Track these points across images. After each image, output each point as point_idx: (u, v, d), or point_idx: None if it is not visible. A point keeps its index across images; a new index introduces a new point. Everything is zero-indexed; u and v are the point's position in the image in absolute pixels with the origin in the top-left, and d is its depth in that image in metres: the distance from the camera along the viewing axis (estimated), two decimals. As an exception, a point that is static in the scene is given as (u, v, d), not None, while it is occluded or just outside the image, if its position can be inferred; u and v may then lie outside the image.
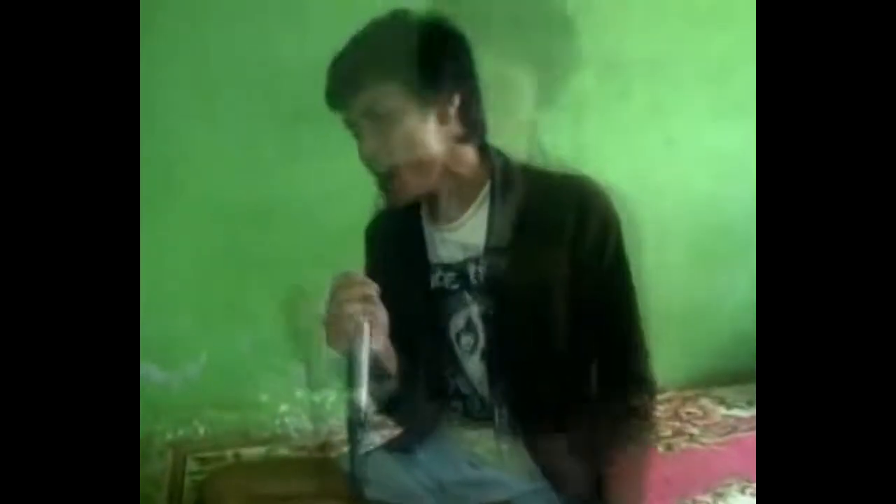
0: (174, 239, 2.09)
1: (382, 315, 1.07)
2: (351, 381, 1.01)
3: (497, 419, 1.23)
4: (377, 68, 1.11)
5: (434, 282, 1.23)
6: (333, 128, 2.17)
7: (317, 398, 2.28)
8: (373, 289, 1.06)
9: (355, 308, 1.03)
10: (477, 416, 1.26)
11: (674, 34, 2.39)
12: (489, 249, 1.18)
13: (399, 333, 1.15)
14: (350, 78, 1.13)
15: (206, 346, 2.22)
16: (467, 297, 1.21)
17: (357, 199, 2.10)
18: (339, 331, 1.04)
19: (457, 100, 1.15)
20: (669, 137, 2.43)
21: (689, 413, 2.36)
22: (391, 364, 1.15)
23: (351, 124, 1.17)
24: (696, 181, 2.47)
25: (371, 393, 1.18)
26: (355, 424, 1.00)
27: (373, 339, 1.05)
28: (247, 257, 2.19)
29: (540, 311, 1.17)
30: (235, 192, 2.15)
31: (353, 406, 1.00)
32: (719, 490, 1.86)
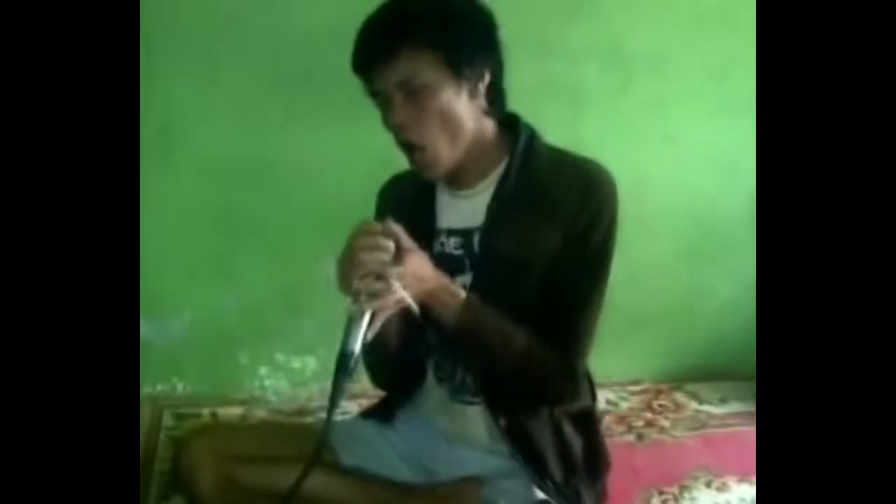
0: (168, 197, 2.09)
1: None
2: (348, 329, 1.04)
3: (473, 389, 1.25)
4: (417, 37, 1.10)
5: (436, 246, 1.25)
6: (333, 94, 2.17)
7: (297, 363, 2.30)
8: (390, 240, 1.06)
9: (368, 256, 1.04)
10: (460, 381, 1.27)
11: (677, 31, 2.39)
12: (489, 218, 1.20)
13: None
14: (385, 45, 1.10)
15: (191, 305, 2.23)
16: (467, 264, 1.23)
17: (353, 166, 2.12)
18: (347, 274, 1.05)
19: (487, 76, 1.16)
20: (668, 133, 2.43)
21: (661, 405, 2.39)
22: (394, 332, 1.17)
23: (378, 94, 1.15)
24: (691, 179, 2.48)
25: (366, 360, 1.21)
26: (343, 368, 1.03)
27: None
28: (239, 219, 2.19)
29: (524, 286, 1.18)
30: (232, 153, 2.14)
31: (343, 350, 1.03)
32: (686, 482, 1.89)
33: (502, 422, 1.22)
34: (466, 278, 1.22)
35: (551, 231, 1.17)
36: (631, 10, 2.35)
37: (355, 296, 1.05)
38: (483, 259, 1.21)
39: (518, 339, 1.16)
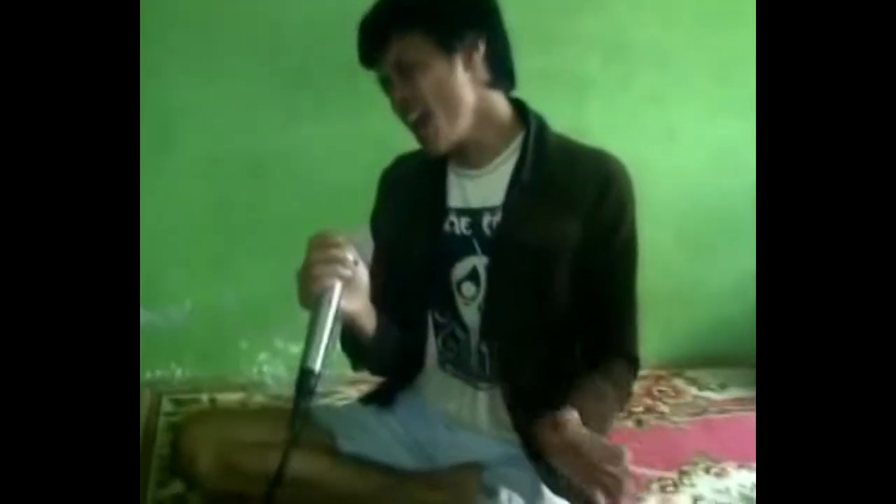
0: (169, 190, 2.09)
1: (360, 277, 1.08)
2: (308, 343, 1.00)
3: (484, 370, 1.26)
4: (401, 22, 1.15)
5: (445, 226, 1.25)
6: (333, 89, 2.16)
7: (296, 349, 2.29)
8: (348, 251, 1.05)
9: (323, 270, 1.03)
10: (466, 364, 1.28)
11: (680, 25, 2.39)
12: (508, 203, 1.21)
13: (401, 275, 1.20)
14: (377, 35, 1.17)
15: (191, 296, 2.22)
16: (476, 245, 1.23)
17: (352, 160, 2.11)
18: (305, 290, 1.04)
19: (481, 46, 1.18)
20: (669, 125, 2.43)
21: (661, 391, 2.39)
22: (369, 323, 1.16)
23: (384, 81, 1.21)
24: (692, 170, 2.48)
25: (345, 350, 1.19)
26: (303, 389, 0.98)
27: (347, 300, 1.05)
28: (239, 214, 2.19)
29: (544, 273, 1.20)
30: (232, 149, 2.14)
31: (303, 368, 0.98)
32: (685, 468, 1.90)
33: (519, 414, 1.23)
34: (476, 260, 1.23)
35: (569, 220, 1.19)
36: (634, 5, 2.35)
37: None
38: (503, 244, 1.21)
39: (610, 397, 1.19)
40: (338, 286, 1.03)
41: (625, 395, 1.25)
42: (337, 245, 1.05)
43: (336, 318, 1.02)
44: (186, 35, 2.04)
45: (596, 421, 1.10)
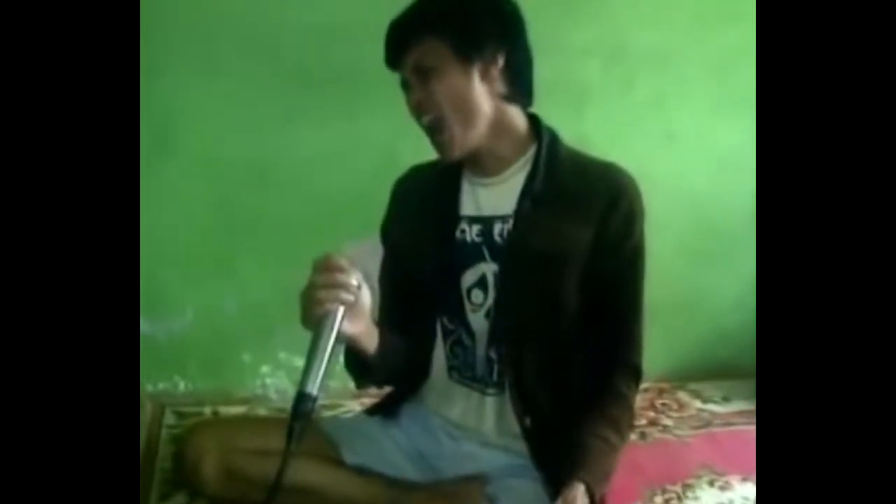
0: (169, 194, 2.08)
1: (364, 300, 1.08)
2: (307, 367, 1.02)
3: (491, 377, 1.26)
4: (423, 27, 1.18)
5: (457, 233, 1.27)
6: (333, 92, 2.16)
7: (299, 362, 2.28)
8: (352, 276, 1.06)
9: (326, 294, 1.04)
10: (473, 370, 1.28)
11: (679, 28, 2.38)
12: (520, 211, 1.22)
13: (411, 280, 1.22)
14: (400, 37, 1.21)
15: (192, 303, 2.21)
16: (486, 253, 1.24)
17: (354, 164, 2.11)
18: (307, 312, 1.05)
19: (500, 60, 1.20)
20: (670, 131, 2.43)
21: (664, 404, 2.38)
22: (371, 345, 1.16)
23: (404, 83, 1.23)
24: (693, 177, 2.47)
25: (349, 368, 1.20)
26: (300, 411, 0.99)
27: (348, 323, 1.06)
28: (240, 218, 2.18)
29: (552, 281, 1.21)
30: (232, 152, 2.13)
31: (300, 392, 1.00)
32: (689, 481, 1.89)
33: (528, 421, 1.23)
34: (486, 267, 1.25)
35: (579, 230, 1.21)
36: (634, 8, 2.34)
37: None
38: (513, 252, 1.23)
39: (616, 444, 1.20)
40: (340, 310, 1.04)
41: (629, 422, 1.27)
42: (341, 269, 1.05)
43: (337, 340, 1.04)
44: (186, 35, 2.04)
45: (604, 481, 1.14)
